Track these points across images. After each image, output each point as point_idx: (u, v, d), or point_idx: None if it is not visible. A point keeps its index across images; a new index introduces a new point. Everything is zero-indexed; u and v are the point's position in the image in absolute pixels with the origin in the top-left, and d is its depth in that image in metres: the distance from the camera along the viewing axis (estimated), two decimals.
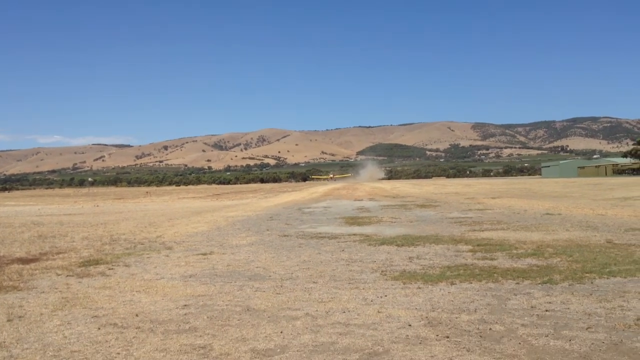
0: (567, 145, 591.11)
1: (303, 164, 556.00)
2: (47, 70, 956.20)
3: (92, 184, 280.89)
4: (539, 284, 9.99)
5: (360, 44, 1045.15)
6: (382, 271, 11.81)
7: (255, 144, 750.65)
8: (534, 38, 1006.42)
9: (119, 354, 6.66)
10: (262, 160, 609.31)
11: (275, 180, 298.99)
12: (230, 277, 11.70)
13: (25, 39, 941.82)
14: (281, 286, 10.50)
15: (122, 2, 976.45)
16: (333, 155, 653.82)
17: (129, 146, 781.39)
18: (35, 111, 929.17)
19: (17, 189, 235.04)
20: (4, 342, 7.23)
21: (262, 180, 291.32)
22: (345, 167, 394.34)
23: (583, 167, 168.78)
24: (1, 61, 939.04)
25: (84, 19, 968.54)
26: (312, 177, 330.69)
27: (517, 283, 10.12)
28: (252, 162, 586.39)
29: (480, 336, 7.00)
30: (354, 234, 19.41)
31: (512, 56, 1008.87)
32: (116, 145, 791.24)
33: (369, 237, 18.42)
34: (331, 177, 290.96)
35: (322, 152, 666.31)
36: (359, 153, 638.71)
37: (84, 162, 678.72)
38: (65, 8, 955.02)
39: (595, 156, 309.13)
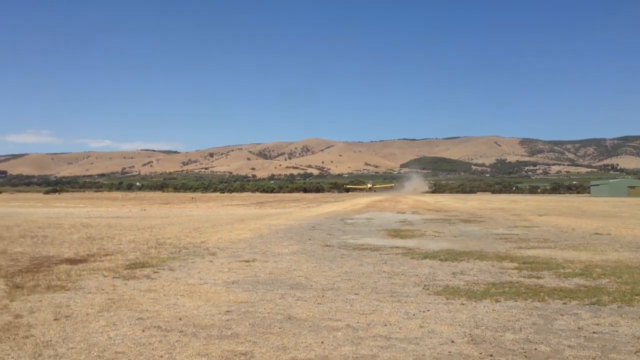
0: (617, 164, 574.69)
1: (346, 175, 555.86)
2: (100, 75, 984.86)
3: (140, 188, 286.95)
4: (587, 304, 9.73)
5: (406, 57, 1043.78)
6: (424, 285, 11.69)
7: (299, 154, 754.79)
8: (585, 57, 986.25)
9: (162, 357, 6.76)
10: (306, 170, 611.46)
11: (318, 190, 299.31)
12: (272, 285, 11.76)
13: (76, 44, 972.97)
14: (323, 296, 10.49)
15: (166, 9, 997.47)
16: (376, 167, 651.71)
17: (176, 152, 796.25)
18: (87, 116, 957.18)
19: (67, 191, 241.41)
20: (51, 340, 7.42)
21: (305, 190, 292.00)
22: (388, 179, 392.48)
23: (633, 187, 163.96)
24: (56, 66, 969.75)
25: (137, 23, 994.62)
26: (348, 186, 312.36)
27: (564, 303, 9.87)
28: (295, 172, 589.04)
29: (525, 356, 6.85)
30: (397, 247, 19.28)
31: (561, 74, 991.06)
32: (164, 151, 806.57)
33: (412, 250, 18.27)
34: (370, 188, 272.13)
35: (366, 164, 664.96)
36: (403, 165, 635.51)
37: (133, 166, 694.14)
38: (111, 11, 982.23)
39: None
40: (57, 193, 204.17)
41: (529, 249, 18.79)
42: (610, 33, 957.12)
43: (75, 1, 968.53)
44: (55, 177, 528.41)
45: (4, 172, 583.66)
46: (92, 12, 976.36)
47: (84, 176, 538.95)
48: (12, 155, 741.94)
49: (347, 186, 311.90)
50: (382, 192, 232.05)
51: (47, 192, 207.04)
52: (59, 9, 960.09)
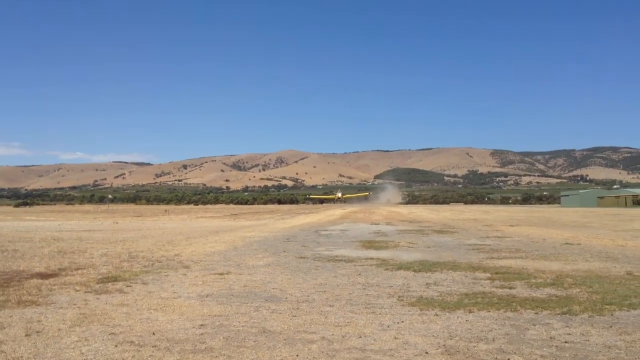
0: (587, 175, 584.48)
1: (321, 186, 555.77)
2: (69, 86, 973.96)
3: (112, 200, 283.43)
4: (558, 314, 9.88)
5: (378, 68, 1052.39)
6: (399, 296, 11.76)
7: (274, 165, 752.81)
8: (553, 67, 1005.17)
9: None
10: (280, 181, 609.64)
11: (293, 201, 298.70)
12: (247, 297, 11.72)
13: (47, 55, 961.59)
14: (297, 308, 10.49)
15: (139, 20, 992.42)
16: (351, 178, 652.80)
17: (149, 164, 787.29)
18: (58, 128, 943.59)
19: (38, 204, 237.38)
20: (22, 357, 7.30)
21: (280, 202, 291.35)
22: (362, 190, 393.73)
23: (603, 197, 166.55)
24: (24, 77, 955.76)
25: (106, 34, 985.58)
26: (311, 196, 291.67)
27: (536, 313, 10.01)
28: (270, 183, 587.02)
29: None
30: (371, 258, 19.35)
31: (531, 84, 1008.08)
32: (136, 163, 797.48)
33: (386, 261, 18.36)
34: (338, 198, 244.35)
35: (340, 175, 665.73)
36: (377, 177, 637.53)
37: (105, 179, 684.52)
38: (84, 24, 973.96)
39: (615, 186, 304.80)
40: (27, 206, 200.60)
41: (501, 259, 19.01)
42: (581, 42, 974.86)
43: (43, 12, 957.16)
44: (26, 189, 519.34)
45: None
46: (60, 24, 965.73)
47: (55, 189, 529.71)
48: None
49: (311, 196, 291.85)
50: (354, 203, 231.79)
51: (17, 205, 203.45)
52: (26, 19, 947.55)
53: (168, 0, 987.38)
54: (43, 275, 14.76)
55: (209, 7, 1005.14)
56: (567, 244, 25.45)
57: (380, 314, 9.99)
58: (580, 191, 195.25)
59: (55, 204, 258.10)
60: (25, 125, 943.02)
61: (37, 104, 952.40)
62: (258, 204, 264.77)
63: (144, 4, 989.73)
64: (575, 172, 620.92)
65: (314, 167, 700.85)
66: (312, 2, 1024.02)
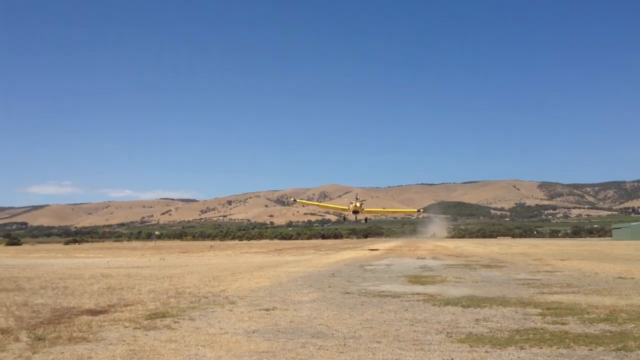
0: (639, 207, 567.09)
1: (364, 221, 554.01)
2: (120, 129, 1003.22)
3: (159, 237, 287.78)
4: (613, 350, 9.54)
5: (419, 99, 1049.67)
6: (447, 333, 11.54)
7: (317, 200, 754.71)
8: (601, 96, 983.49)
9: None
10: (324, 216, 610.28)
11: (337, 236, 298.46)
12: (293, 333, 11.67)
13: (97, 102, 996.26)
14: (344, 345, 10.39)
15: (194, 52, 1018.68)
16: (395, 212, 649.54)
17: (194, 200, 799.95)
18: (107, 166, 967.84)
19: (88, 242, 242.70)
20: None
21: (324, 236, 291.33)
22: (407, 225, 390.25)
23: None
24: (78, 120, 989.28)
25: (148, 81, 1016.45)
26: (299, 200, 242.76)
27: (590, 349, 9.68)
28: (313, 218, 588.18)
29: None
30: (418, 293, 19.08)
31: (579, 115, 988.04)
32: (182, 200, 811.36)
33: (433, 296, 18.07)
34: (355, 210, 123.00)
35: (384, 209, 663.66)
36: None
37: (152, 215, 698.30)
38: (133, 69, 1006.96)
39: None
40: (77, 243, 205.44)
41: (552, 294, 18.50)
42: (631, 71, 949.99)
43: (87, 60, 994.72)
44: (75, 227, 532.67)
45: (25, 224, 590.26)
46: (103, 72, 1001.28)
47: (103, 226, 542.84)
48: (32, 206, 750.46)
49: (299, 200, 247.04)
50: (393, 237, 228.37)
51: (67, 243, 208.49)
52: (71, 66, 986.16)
53: (219, 45, 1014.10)
54: (93, 312, 15.03)
55: (256, 43, 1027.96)
56: (620, 278, 24.65)
57: (428, 350, 9.81)
58: (632, 224, 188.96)
59: (103, 241, 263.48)
60: (77, 164, 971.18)
61: (89, 143, 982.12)
62: (302, 239, 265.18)
63: (190, 58, 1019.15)
64: (626, 204, 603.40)
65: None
66: (356, 40, 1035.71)
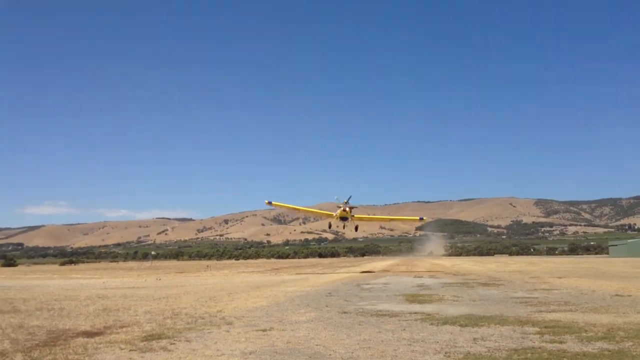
0: (635, 224, 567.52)
1: (361, 239, 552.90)
2: (117, 149, 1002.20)
3: (155, 257, 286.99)
4: None
5: (417, 119, 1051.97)
6: (445, 352, 11.49)
7: (314, 218, 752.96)
8: (595, 114, 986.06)
9: None
10: (320, 234, 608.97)
11: (334, 254, 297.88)
12: (290, 355, 11.61)
13: (94, 121, 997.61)
14: None
15: (192, 72, 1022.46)
16: (391, 230, 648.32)
17: (191, 220, 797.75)
18: (103, 186, 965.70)
19: (84, 262, 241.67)
20: None
21: (321, 255, 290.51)
22: (404, 243, 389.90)
23: None
24: (76, 141, 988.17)
25: (142, 101, 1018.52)
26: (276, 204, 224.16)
27: None
28: (310, 236, 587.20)
29: None
30: (415, 312, 19.02)
31: (574, 132, 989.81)
32: (179, 219, 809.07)
33: (431, 315, 18.02)
34: (342, 215, 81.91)
35: (381, 227, 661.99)
36: (418, 228, 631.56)
37: (148, 235, 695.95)
38: (127, 89, 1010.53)
39: None
40: (73, 264, 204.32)
41: (549, 312, 18.47)
42: (625, 87, 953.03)
43: (82, 80, 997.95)
44: (71, 248, 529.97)
45: (21, 245, 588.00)
46: (98, 92, 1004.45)
47: (99, 246, 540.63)
48: (28, 227, 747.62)
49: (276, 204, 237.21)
50: (390, 255, 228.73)
51: (63, 264, 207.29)
52: (62, 84, 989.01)
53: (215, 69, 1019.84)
54: (89, 334, 14.93)
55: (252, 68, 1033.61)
56: (617, 295, 24.63)
57: None
58: (629, 241, 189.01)
59: (100, 262, 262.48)
60: (72, 185, 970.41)
61: (83, 163, 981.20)
62: (299, 258, 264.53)
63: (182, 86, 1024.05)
64: (622, 221, 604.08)
65: None
66: (351, 58, 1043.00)
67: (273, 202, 76.27)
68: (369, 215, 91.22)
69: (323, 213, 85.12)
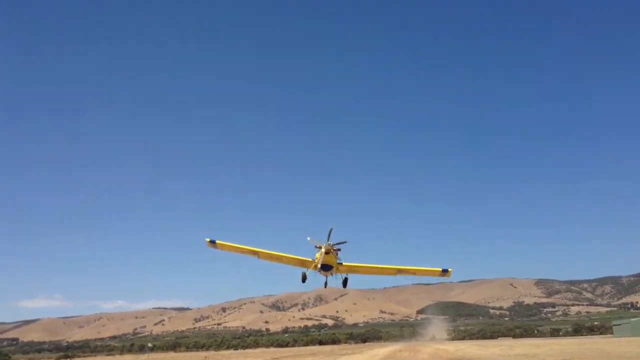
0: (637, 302, 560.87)
1: (362, 324, 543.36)
2: (111, 237, 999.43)
3: (152, 349, 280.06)
4: None
5: (416, 199, 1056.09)
6: None
7: (313, 304, 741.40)
8: (593, 190, 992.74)
9: None
10: (320, 320, 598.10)
11: (334, 341, 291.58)
12: None
13: (86, 211, 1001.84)
14: None
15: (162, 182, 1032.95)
16: (392, 314, 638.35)
17: (188, 309, 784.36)
18: (98, 277, 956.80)
19: (79, 357, 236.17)
20: None
21: (321, 342, 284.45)
22: (405, 327, 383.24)
23: None
24: (68, 236, 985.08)
25: (135, 193, 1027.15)
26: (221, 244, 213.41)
27: None
28: (310, 323, 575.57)
29: None
30: None
31: (573, 210, 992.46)
32: (176, 309, 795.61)
33: None
34: (325, 261, 63.08)
35: (381, 311, 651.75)
36: (419, 312, 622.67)
37: (144, 326, 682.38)
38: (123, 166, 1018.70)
39: None
40: (68, 359, 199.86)
41: None
42: (623, 163, 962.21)
43: (72, 157, 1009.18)
44: (67, 342, 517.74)
45: (16, 339, 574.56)
46: (92, 170, 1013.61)
47: (95, 339, 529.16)
48: (23, 321, 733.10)
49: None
50: (392, 341, 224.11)
51: (58, 359, 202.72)
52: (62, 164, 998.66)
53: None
54: None
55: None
56: None
57: None
58: (632, 319, 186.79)
59: (95, 355, 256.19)
60: (67, 277, 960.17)
61: (77, 255, 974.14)
62: (299, 346, 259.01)
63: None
64: (624, 300, 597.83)
65: (354, 304, 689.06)
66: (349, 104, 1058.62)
67: (217, 242, 60.90)
68: (361, 264, 63.05)
69: (293, 258, 62.03)
